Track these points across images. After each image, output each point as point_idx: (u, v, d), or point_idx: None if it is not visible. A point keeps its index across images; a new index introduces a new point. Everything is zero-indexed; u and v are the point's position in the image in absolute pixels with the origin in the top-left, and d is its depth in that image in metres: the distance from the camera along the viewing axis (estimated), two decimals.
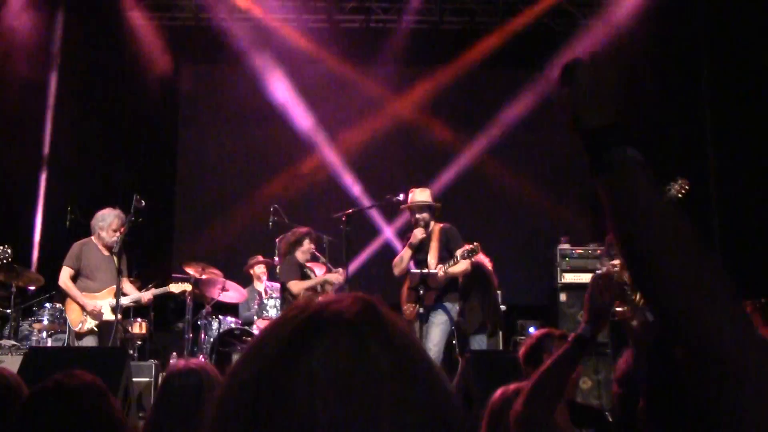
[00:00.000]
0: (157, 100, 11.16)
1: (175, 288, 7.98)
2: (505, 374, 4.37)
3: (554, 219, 10.96)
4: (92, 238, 7.63)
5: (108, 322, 7.33)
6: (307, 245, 8.11)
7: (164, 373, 3.74)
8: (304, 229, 8.18)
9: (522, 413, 2.59)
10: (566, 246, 9.13)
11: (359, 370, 0.82)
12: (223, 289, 8.60)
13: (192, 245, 10.70)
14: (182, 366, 3.08)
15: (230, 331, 8.47)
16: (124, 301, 7.54)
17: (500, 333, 8.39)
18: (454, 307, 7.38)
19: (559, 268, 9.05)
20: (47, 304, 8.11)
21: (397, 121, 11.42)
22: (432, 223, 7.58)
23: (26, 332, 7.94)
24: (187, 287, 8.06)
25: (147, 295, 7.70)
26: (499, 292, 8.50)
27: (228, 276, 8.84)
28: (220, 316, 8.66)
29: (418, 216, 7.53)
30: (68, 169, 10.46)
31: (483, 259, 7.88)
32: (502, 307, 8.68)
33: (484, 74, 11.41)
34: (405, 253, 7.54)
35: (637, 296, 6.51)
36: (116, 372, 5.27)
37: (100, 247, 7.59)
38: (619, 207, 1.17)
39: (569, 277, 8.99)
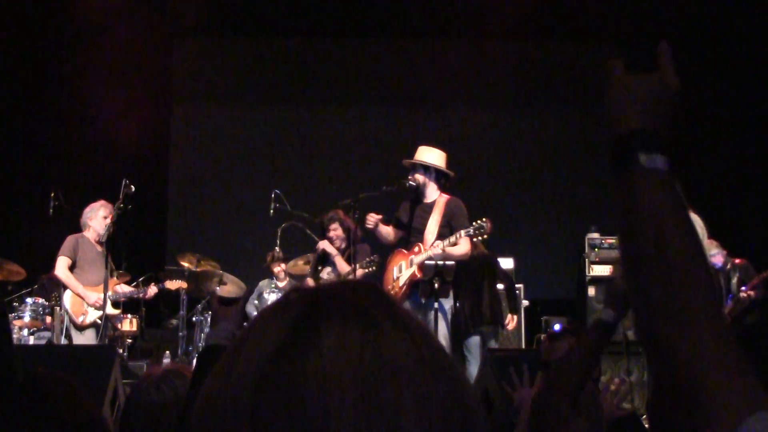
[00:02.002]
0: (147, 75, 11.13)
1: (170, 285, 8.09)
2: (530, 375, 4.34)
3: (582, 206, 10.90)
4: (84, 233, 7.78)
5: (107, 316, 7.50)
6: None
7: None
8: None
9: (541, 402, 2.60)
10: (595, 235, 9.09)
11: (376, 359, 0.80)
12: (221, 283, 8.60)
13: (187, 235, 10.71)
14: (154, 377, 2.65)
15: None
16: (114, 296, 7.67)
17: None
18: (448, 301, 6.98)
19: (587, 260, 9.01)
20: (28, 300, 8.13)
21: (411, 99, 11.38)
22: (438, 193, 7.17)
23: None
24: (184, 285, 8.15)
25: (152, 290, 7.88)
26: (520, 285, 8.46)
27: (225, 268, 8.83)
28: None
29: (409, 178, 7.10)
30: (50, 150, 10.47)
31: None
32: (525, 302, 8.64)
33: (501, 49, 11.36)
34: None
35: None
36: (104, 372, 5.27)
37: (93, 242, 7.74)
38: (625, 217, 1.20)
39: (598, 270, 8.95)
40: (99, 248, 7.72)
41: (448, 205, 7.16)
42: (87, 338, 7.48)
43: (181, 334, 8.30)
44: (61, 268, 7.60)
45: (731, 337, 1.12)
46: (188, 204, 11.25)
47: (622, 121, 1.27)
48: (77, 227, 7.87)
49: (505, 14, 10.78)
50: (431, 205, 7.16)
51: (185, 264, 8.53)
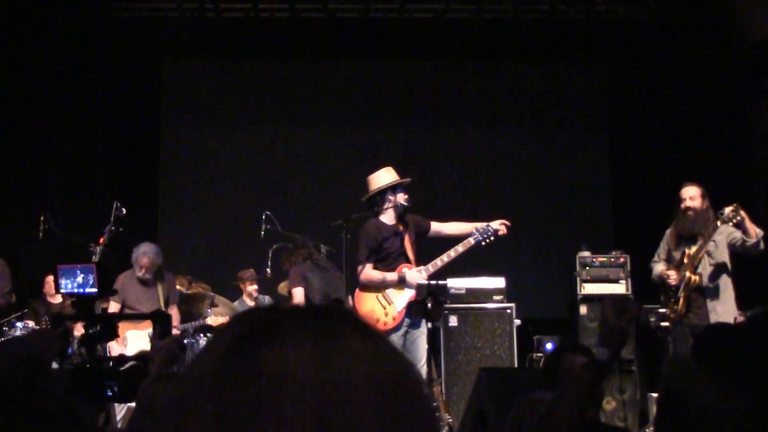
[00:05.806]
0: (137, 96, 11.17)
1: (213, 321, 8.26)
2: (523, 393, 4.38)
3: (573, 224, 10.97)
4: (133, 270, 8.11)
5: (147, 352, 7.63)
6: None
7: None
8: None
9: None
10: (587, 254, 9.11)
11: (336, 352, 0.80)
12: (212, 305, 8.62)
13: (177, 257, 10.70)
14: (164, 372, 3.03)
15: None
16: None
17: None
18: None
19: (578, 278, 9.03)
20: (18, 324, 8.12)
21: (402, 119, 11.45)
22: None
23: None
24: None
25: (174, 331, 7.96)
26: (512, 304, 8.49)
27: (217, 290, 8.85)
28: (209, 335, 8.65)
29: (406, 197, 7.16)
30: (39, 173, 10.47)
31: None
32: (517, 322, 8.67)
33: (492, 69, 11.47)
34: (389, 277, 7.08)
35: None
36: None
37: (138, 281, 8.08)
38: None
39: (590, 288, 8.97)
40: (145, 287, 8.02)
41: (409, 219, 7.25)
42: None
43: None
44: (110, 311, 7.77)
45: None
46: (178, 226, 11.27)
47: None
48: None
49: (487, 35, 10.92)
50: (399, 226, 7.23)
51: (176, 287, 8.54)
